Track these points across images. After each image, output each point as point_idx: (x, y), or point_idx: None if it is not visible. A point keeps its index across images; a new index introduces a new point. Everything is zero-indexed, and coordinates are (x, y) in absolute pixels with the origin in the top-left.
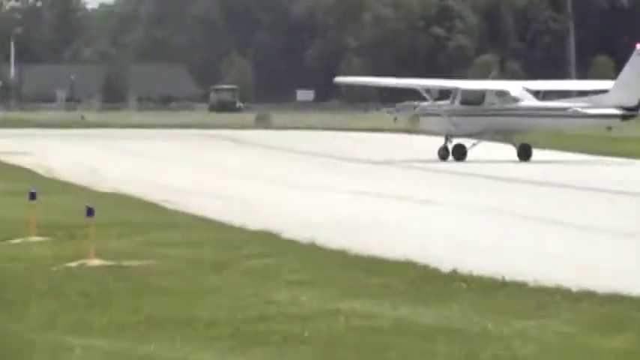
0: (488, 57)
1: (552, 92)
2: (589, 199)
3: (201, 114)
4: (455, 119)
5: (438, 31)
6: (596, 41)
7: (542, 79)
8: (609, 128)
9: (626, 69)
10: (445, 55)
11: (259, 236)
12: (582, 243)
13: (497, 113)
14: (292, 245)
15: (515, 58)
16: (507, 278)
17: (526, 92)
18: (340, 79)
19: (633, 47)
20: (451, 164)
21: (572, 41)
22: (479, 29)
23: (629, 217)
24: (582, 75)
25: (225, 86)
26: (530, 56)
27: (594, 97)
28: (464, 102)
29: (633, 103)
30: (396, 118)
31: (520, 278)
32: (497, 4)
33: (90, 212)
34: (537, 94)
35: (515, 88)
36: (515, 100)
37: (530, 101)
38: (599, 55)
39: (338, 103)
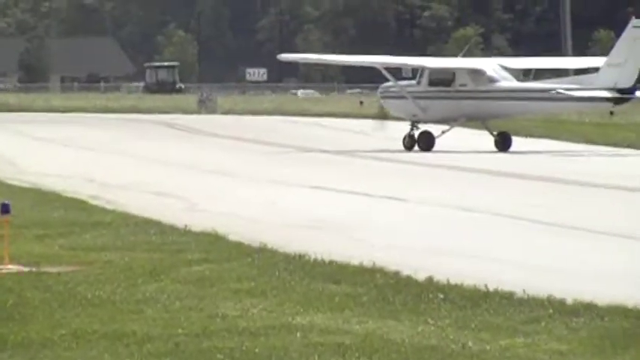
0: (469, 30)
1: (546, 71)
2: (576, 195)
3: (136, 96)
4: (421, 102)
5: None
6: (596, 13)
7: (532, 56)
8: (612, 113)
9: (619, 44)
10: (419, 28)
11: (202, 238)
12: (576, 246)
13: (469, 96)
14: (241, 249)
15: (502, 31)
16: (491, 287)
17: (503, 71)
18: (286, 56)
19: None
20: (418, 154)
21: (567, 12)
22: None
23: (623, 216)
24: (580, 51)
25: (164, 63)
26: (519, 29)
27: (583, 77)
28: (432, 83)
29: (628, 84)
30: (362, 102)
31: (506, 287)
32: None
33: (5, 210)
34: (528, 73)
35: (491, 66)
36: (491, 80)
37: (509, 82)
38: (599, 28)
39: (295, 83)
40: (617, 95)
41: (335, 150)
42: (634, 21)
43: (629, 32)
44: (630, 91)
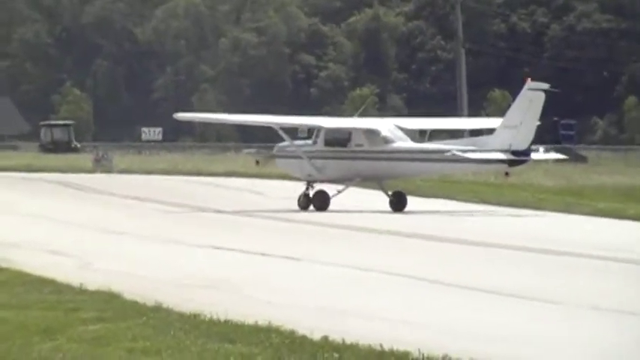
0: (365, 90)
1: (441, 132)
2: (470, 254)
3: (31, 154)
4: (317, 162)
5: (308, 58)
6: (492, 73)
7: (428, 116)
8: (507, 174)
9: (515, 106)
10: (316, 87)
11: (97, 297)
12: (472, 305)
13: (365, 156)
14: (136, 307)
15: (398, 91)
16: (386, 347)
17: (399, 131)
18: (181, 115)
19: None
20: (313, 214)
21: (463, 72)
22: (355, 58)
23: (524, 276)
24: (475, 111)
25: (59, 122)
26: (415, 89)
27: (478, 139)
28: (327, 142)
29: (523, 146)
30: (258, 161)
31: (402, 347)
32: (375, 30)
33: None
34: (424, 134)
35: (387, 126)
36: (387, 140)
37: (404, 142)
38: (494, 88)
39: (190, 142)
40: (512, 157)
41: (230, 209)
42: (529, 83)
43: (524, 94)
44: (525, 153)
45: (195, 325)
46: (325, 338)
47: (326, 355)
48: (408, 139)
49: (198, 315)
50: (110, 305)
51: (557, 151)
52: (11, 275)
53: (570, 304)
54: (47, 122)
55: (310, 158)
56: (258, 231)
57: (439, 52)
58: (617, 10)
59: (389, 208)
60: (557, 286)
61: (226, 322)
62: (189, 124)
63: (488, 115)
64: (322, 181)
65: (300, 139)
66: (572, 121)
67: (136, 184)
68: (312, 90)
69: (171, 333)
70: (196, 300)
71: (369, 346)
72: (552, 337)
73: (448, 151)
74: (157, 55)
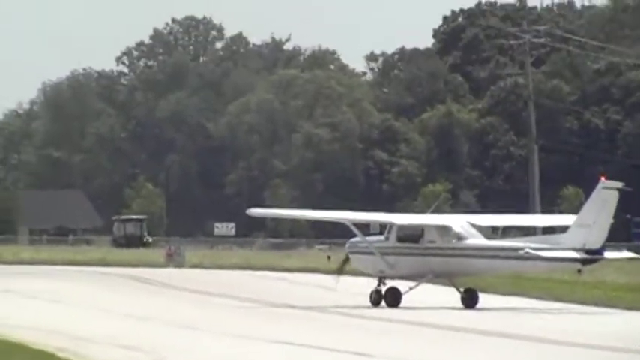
0: (438, 186)
1: (514, 229)
2: (544, 352)
3: (104, 249)
4: (389, 258)
5: (380, 154)
6: (565, 170)
7: (501, 213)
8: (579, 271)
9: (588, 205)
10: (388, 183)
11: None
12: None
13: (437, 253)
14: None
15: (470, 187)
16: None
17: (472, 228)
18: (255, 211)
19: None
20: (384, 310)
21: (536, 169)
22: (427, 154)
23: None
24: (548, 209)
25: (132, 216)
26: (488, 186)
27: (551, 237)
28: (400, 239)
29: (596, 245)
30: (329, 257)
31: None
32: (448, 126)
33: None
34: (495, 231)
35: (459, 223)
36: (459, 237)
37: (477, 239)
38: (568, 185)
39: (262, 238)
40: (585, 256)
41: (302, 305)
42: (603, 182)
43: (598, 193)
44: (598, 251)
45: None
46: None
47: None
48: (481, 236)
49: None
50: None
51: (629, 249)
52: None
53: None
54: (120, 217)
55: (382, 254)
56: (329, 327)
57: (512, 148)
58: None
59: (461, 305)
60: None
61: None
62: (262, 220)
63: (561, 212)
64: (394, 278)
65: (373, 234)
66: None
67: (208, 278)
68: (384, 186)
69: None
70: None
71: None
72: None
73: (522, 248)
74: (230, 150)
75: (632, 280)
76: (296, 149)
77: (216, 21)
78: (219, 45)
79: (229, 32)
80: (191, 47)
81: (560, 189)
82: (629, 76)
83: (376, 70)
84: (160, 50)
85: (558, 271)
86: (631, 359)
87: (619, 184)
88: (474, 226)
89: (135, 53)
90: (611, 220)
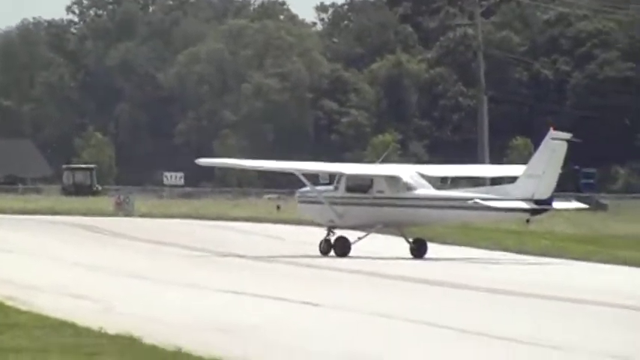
0: (387, 136)
1: (463, 179)
2: (490, 303)
3: (53, 197)
4: (338, 208)
5: (330, 104)
6: (514, 120)
7: (450, 164)
8: (528, 221)
9: (538, 156)
10: (337, 134)
11: (117, 341)
12: (487, 353)
13: (386, 203)
14: (155, 352)
15: (419, 138)
16: None
17: (421, 178)
18: (204, 161)
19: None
20: (333, 260)
21: (485, 119)
22: (377, 104)
23: (523, 322)
24: (497, 159)
25: (81, 165)
26: (437, 136)
27: (500, 187)
28: (349, 189)
29: (545, 195)
30: (279, 207)
31: None
32: (398, 76)
33: None
34: (444, 181)
35: (408, 173)
36: (408, 187)
37: (426, 189)
38: (517, 136)
39: (211, 187)
40: (534, 207)
41: (251, 255)
42: (552, 133)
43: (547, 144)
44: (547, 202)
45: None
46: None
47: None
48: (430, 186)
49: None
50: (130, 350)
51: (578, 199)
52: (31, 318)
53: (584, 351)
54: (69, 166)
55: (331, 204)
56: (278, 276)
57: (461, 99)
58: None
59: (409, 255)
60: (572, 334)
61: None
62: (211, 170)
63: (510, 162)
64: (343, 228)
65: (322, 185)
66: (593, 170)
67: (157, 228)
68: (333, 136)
69: None
70: (216, 345)
71: None
72: None
73: (470, 199)
74: (179, 99)
75: (579, 231)
76: (245, 99)
77: None
78: None
79: None
80: None
81: (509, 139)
82: (579, 27)
83: (326, 20)
84: None
85: (507, 221)
86: (575, 309)
87: (568, 135)
88: (423, 176)
89: (85, 2)
90: (560, 171)
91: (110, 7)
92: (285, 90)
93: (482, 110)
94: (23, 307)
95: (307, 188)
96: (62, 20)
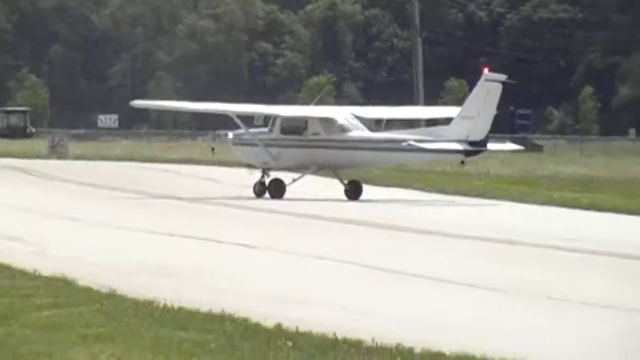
0: (322, 78)
1: (397, 121)
2: (425, 243)
3: None
4: (273, 150)
5: (265, 46)
6: (449, 62)
7: (384, 105)
8: (462, 162)
9: (472, 97)
10: (272, 75)
11: (51, 283)
12: (422, 294)
13: (321, 145)
14: (90, 294)
15: (354, 79)
16: (340, 336)
17: (356, 120)
18: (138, 103)
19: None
20: (268, 202)
21: (419, 61)
22: (312, 46)
23: (468, 265)
24: (432, 101)
25: (15, 108)
26: (372, 78)
27: (435, 129)
28: (283, 130)
29: (479, 137)
30: (213, 148)
31: (355, 336)
32: (333, 18)
33: None
34: (379, 123)
35: (343, 115)
36: (343, 129)
37: (360, 131)
38: (451, 77)
39: (146, 129)
40: (468, 148)
41: (185, 197)
42: (486, 75)
43: (481, 85)
44: (482, 143)
45: (148, 312)
46: (279, 326)
47: (279, 342)
48: (365, 128)
49: (152, 302)
50: (64, 291)
51: (513, 140)
52: None
53: (520, 293)
54: (3, 108)
55: (266, 146)
56: (213, 218)
57: (396, 40)
58: (574, 0)
59: (344, 197)
60: (509, 276)
61: (180, 309)
62: (145, 112)
63: (444, 104)
64: (277, 169)
65: (257, 127)
66: (528, 111)
67: (91, 170)
68: (268, 78)
69: (125, 320)
70: (150, 287)
71: (323, 334)
72: (501, 326)
73: (405, 140)
74: (114, 41)
75: (514, 172)
76: (180, 41)
77: None
78: None
79: None
80: None
81: (444, 81)
82: None
83: None
84: None
85: (441, 162)
86: (508, 250)
87: (502, 77)
88: (357, 118)
89: None
90: (495, 112)
91: None
92: (220, 32)
93: (416, 52)
94: None
95: (242, 130)
96: None
